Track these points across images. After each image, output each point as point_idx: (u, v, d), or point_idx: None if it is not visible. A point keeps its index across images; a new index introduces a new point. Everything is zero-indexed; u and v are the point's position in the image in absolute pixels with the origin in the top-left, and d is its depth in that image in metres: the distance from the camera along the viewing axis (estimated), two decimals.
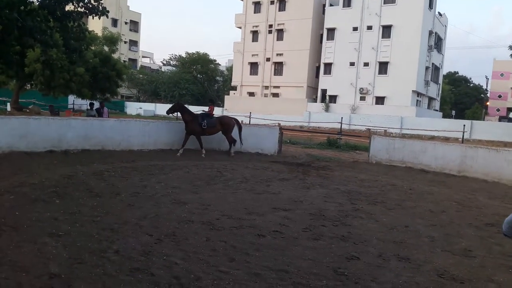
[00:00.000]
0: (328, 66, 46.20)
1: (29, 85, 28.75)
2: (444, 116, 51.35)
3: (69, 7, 13.05)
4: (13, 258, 4.31)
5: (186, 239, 5.28)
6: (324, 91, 46.41)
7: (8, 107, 29.20)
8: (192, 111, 14.34)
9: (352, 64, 44.47)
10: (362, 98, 44.06)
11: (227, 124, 14.29)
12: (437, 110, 51.81)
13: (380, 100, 43.28)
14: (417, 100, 44.14)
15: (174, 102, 15.09)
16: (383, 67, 43.10)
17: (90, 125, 13.00)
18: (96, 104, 18.58)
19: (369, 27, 43.42)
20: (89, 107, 17.56)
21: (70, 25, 13.15)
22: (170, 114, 14.82)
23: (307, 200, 8.07)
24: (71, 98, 38.07)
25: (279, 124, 24.35)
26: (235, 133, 14.43)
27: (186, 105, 15.13)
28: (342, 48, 44.52)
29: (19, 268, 4.07)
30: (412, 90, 41.65)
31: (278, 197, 8.19)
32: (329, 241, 5.61)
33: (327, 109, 44.05)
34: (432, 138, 30.59)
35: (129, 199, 7.20)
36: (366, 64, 43.73)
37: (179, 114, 14.70)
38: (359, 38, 43.91)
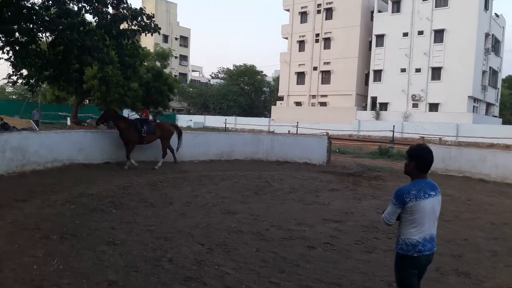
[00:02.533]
0: (378, 73, 45.11)
1: (87, 100, 30.54)
2: (504, 123, 48.23)
3: (123, 26, 13.75)
4: (75, 265, 4.55)
5: (237, 249, 5.31)
6: (374, 99, 45.31)
7: (68, 122, 31.17)
8: (126, 117, 13.16)
9: (403, 70, 43.12)
10: (415, 105, 42.48)
11: (168, 131, 12.98)
12: (496, 116, 48.83)
13: (433, 107, 41.52)
14: (474, 106, 41.87)
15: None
16: (436, 72, 41.37)
17: None
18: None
19: (420, 32, 41.96)
20: None
21: (125, 43, 13.82)
22: (101, 124, 13.17)
23: (359, 211, 7.86)
24: (125, 112, 40.00)
25: (327, 133, 24.01)
26: (173, 141, 13.12)
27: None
28: (392, 55, 43.33)
29: (80, 275, 4.29)
30: (468, 96, 39.59)
31: (328, 208, 8.05)
32: (383, 254, 5.41)
33: (377, 117, 42.89)
34: (491, 146, 28.77)
35: (182, 209, 7.38)
36: (417, 70, 42.22)
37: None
38: (410, 43, 42.55)
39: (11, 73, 14.46)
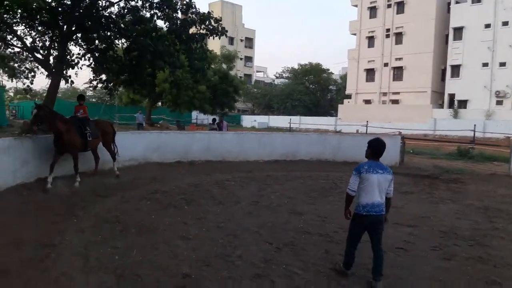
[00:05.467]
0: (455, 69, 42.28)
1: (159, 102, 32.16)
2: None
3: (192, 30, 14.24)
4: (151, 258, 4.79)
5: (304, 250, 5.26)
6: (451, 96, 42.55)
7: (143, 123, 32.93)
8: (63, 116, 9.12)
9: (485, 65, 39.98)
10: (499, 103, 39.15)
11: (111, 132, 10.40)
12: None
13: None
14: None
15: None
16: None
17: (212, 138, 13.98)
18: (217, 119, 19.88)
19: (505, 23, 38.59)
20: (211, 122, 18.94)
21: (194, 47, 14.32)
22: (36, 128, 8.38)
23: (436, 216, 7.39)
24: (194, 114, 41.54)
25: (400, 132, 22.92)
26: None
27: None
28: (472, 48, 40.38)
29: (156, 267, 4.51)
30: None
31: (400, 212, 7.64)
32: (463, 262, 5.04)
33: (455, 115, 40.10)
34: None
35: (248, 208, 7.48)
36: (502, 64, 38.87)
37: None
38: (493, 35, 39.31)
39: (91, 78, 15.70)
